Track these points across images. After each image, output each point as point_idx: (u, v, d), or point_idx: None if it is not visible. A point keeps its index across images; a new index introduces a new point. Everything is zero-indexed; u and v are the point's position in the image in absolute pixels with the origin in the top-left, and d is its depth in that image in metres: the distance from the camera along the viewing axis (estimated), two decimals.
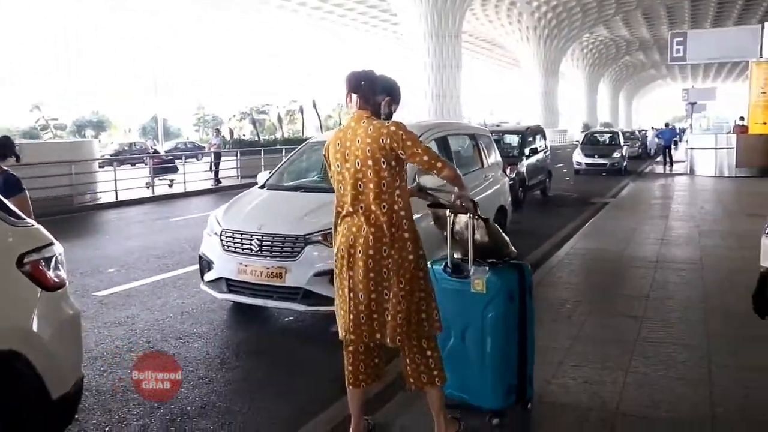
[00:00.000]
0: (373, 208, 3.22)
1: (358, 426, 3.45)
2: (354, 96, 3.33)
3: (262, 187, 7.07)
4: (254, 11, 56.72)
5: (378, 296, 3.22)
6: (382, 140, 3.19)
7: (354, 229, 3.24)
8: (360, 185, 3.25)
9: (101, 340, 5.57)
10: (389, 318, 3.23)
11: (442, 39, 41.15)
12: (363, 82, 3.32)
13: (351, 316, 3.26)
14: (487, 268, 3.52)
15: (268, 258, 5.66)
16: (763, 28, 21.61)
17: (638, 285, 6.98)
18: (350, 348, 3.40)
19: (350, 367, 3.40)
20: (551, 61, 64.25)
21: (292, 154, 7.76)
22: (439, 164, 3.24)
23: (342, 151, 3.29)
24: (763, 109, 21.06)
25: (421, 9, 40.08)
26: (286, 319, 6.30)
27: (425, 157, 3.21)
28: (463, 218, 3.55)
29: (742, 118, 23.03)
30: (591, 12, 57.27)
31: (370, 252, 3.21)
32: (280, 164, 7.55)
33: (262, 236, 5.71)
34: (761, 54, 21.01)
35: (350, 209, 3.26)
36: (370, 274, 3.20)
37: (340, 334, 3.35)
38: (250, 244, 5.74)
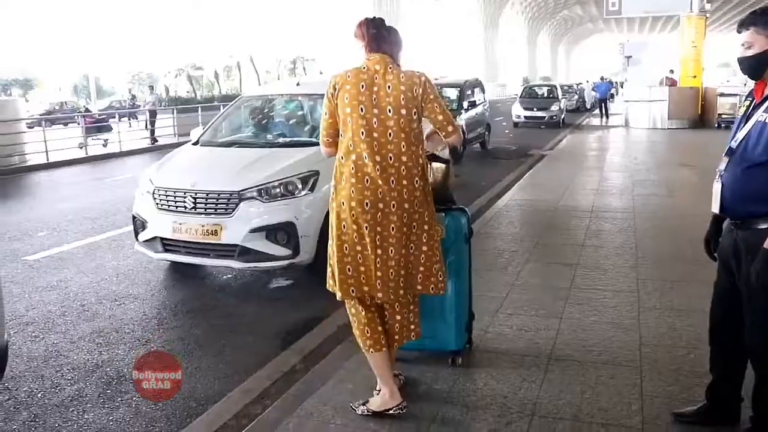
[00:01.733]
0: (404, 159, 3.07)
1: (394, 388, 3.35)
2: (376, 39, 3.21)
3: (195, 143, 6.90)
4: None
5: (407, 251, 3.16)
6: (415, 90, 3.06)
7: (380, 182, 3.03)
8: (390, 134, 3.06)
9: (33, 305, 5.42)
10: (422, 270, 3.20)
11: None
12: (390, 31, 3.24)
13: (379, 274, 3.09)
14: (444, 214, 3.57)
15: (203, 215, 5.56)
16: None
17: (574, 234, 7.13)
18: (368, 313, 3.26)
19: (369, 331, 3.23)
20: (490, 15, 64.12)
21: (226, 108, 7.62)
22: (450, 128, 3.16)
23: (368, 95, 3.06)
24: (693, 62, 21.72)
25: None
26: (224, 277, 6.23)
27: (440, 117, 3.13)
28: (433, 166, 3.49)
29: (671, 71, 23.76)
30: None
31: (405, 206, 3.07)
32: (214, 119, 7.40)
33: (196, 193, 5.57)
34: (691, 8, 21.73)
35: (370, 159, 3.05)
36: (403, 228, 3.09)
37: (346, 296, 3.20)
38: (184, 202, 5.61)
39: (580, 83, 41.34)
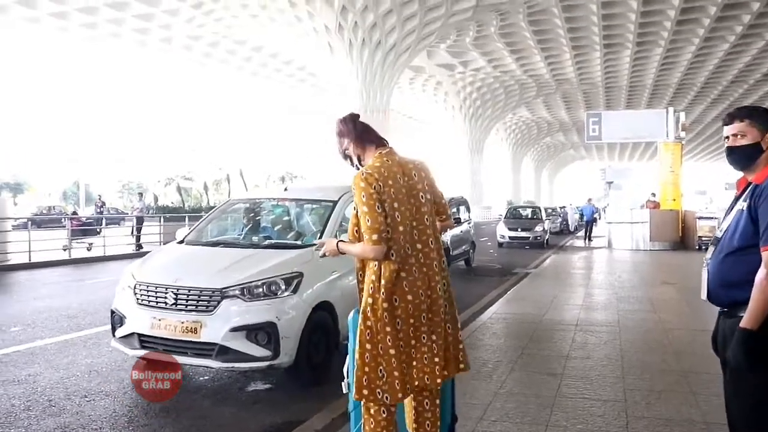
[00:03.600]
0: (436, 237, 3.23)
1: None
2: (367, 131, 3.38)
3: (181, 242, 6.88)
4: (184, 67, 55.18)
5: (447, 330, 3.28)
6: (430, 176, 3.28)
7: (425, 269, 3.17)
8: (427, 219, 3.21)
9: None
10: (460, 348, 3.32)
11: (371, 114, 41.81)
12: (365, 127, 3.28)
13: (436, 360, 3.18)
14: None
15: (183, 312, 5.44)
16: (667, 112, 23.46)
17: (559, 346, 7.06)
18: (389, 415, 3.21)
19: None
20: (476, 140, 66.07)
21: (212, 211, 7.68)
22: (448, 212, 3.42)
23: (407, 187, 3.17)
24: (672, 186, 22.41)
25: (357, 85, 40.76)
26: (201, 378, 6.06)
27: (443, 201, 3.43)
28: None
29: (653, 195, 24.28)
30: (513, 94, 59.73)
31: (445, 286, 3.26)
32: (200, 220, 7.44)
33: (178, 289, 5.47)
34: (667, 135, 22.70)
35: (414, 249, 3.16)
36: (446, 306, 3.27)
37: (386, 399, 3.11)
38: (165, 298, 5.50)
39: (564, 206, 42.25)
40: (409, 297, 3.05)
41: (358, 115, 3.30)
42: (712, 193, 63.01)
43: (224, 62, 48.12)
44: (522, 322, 8.58)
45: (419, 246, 3.10)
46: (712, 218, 19.62)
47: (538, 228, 25.51)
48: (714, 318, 2.82)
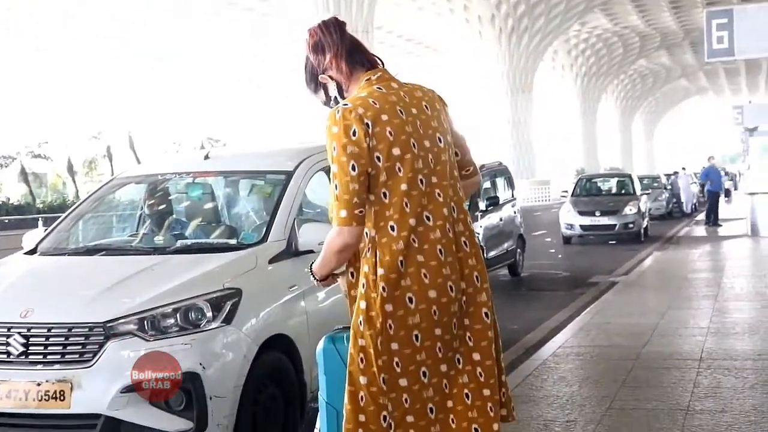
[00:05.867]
0: (464, 206, 2.68)
1: None
2: (357, 45, 2.57)
3: (32, 252, 5.52)
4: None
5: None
6: (447, 111, 2.71)
7: (454, 248, 2.50)
8: (448, 174, 2.59)
9: None
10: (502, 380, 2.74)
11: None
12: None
13: (487, 394, 2.47)
14: None
15: (39, 367, 4.18)
16: None
17: (672, 394, 5.66)
18: None
19: None
20: (521, 70, 50.37)
21: (85, 198, 6.44)
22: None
23: (416, 126, 2.56)
24: None
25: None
26: None
27: (467, 145, 2.82)
28: None
29: None
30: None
31: (484, 276, 2.63)
32: (64, 215, 6.09)
33: (29, 328, 4.22)
34: None
35: (437, 217, 2.49)
36: (492, 307, 2.65)
37: None
38: (7, 344, 4.21)
39: (675, 173, 32.70)
40: (432, 293, 2.45)
41: (344, 23, 2.71)
42: None
43: None
44: (608, 358, 7.14)
45: (444, 211, 2.56)
46: None
47: (630, 210, 20.16)
48: None
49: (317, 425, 2.67)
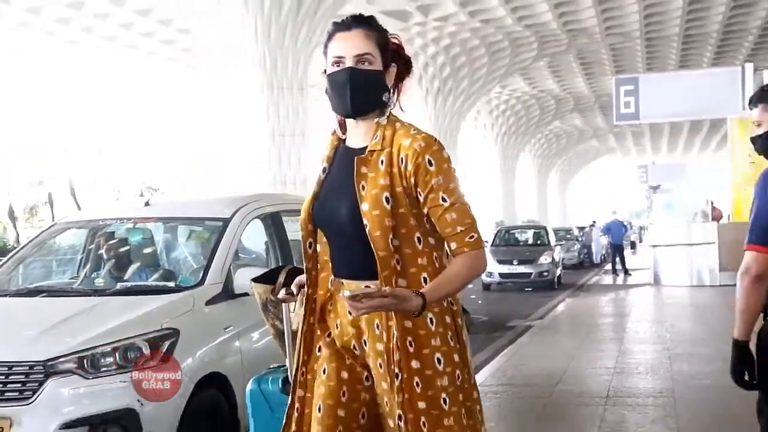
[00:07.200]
0: None
1: None
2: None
3: None
4: None
5: None
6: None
7: None
8: None
9: None
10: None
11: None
12: None
13: None
14: None
15: None
16: (744, 71, 16.95)
17: (581, 429, 5.97)
18: None
19: None
20: (446, 128, 51.52)
21: (27, 242, 6.40)
22: None
23: None
24: (750, 185, 18.84)
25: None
26: None
27: None
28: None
29: (711, 202, 20.12)
30: (501, 55, 45.48)
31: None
32: (6, 259, 5.98)
33: None
34: (745, 107, 17.22)
35: None
36: None
37: None
38: None
39: (591, 225, 32.90)
40: None
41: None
42: None
43: None
44: (522, 396, 7.37)
45: None
46: None
47: (545, 260, 20.55)
48: None
49: None
